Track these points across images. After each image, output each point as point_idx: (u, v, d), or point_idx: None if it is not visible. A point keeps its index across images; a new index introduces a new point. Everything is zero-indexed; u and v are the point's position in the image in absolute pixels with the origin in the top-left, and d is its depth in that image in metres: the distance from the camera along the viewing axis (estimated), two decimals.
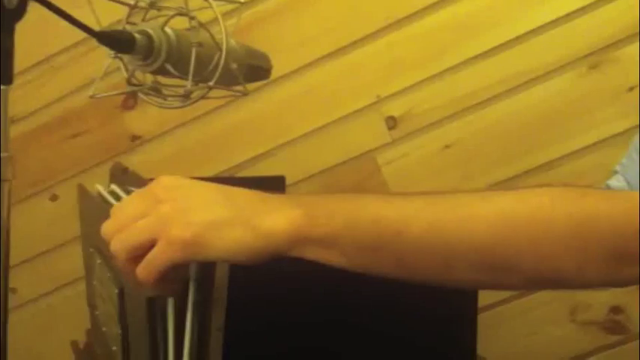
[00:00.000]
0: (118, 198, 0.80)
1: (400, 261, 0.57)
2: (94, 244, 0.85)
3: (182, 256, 0.56)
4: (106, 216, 0.61)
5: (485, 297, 1.15)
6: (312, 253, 0.57)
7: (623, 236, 0.53)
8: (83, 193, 0.86)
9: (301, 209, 0.57)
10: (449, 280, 0.58)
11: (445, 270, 0.57)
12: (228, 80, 0.77)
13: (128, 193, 0.80)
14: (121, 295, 0.73)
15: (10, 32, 0.61)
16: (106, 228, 0.60)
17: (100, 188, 0.84)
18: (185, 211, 0.57)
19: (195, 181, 0.60)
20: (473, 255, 0.55)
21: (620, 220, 0.53)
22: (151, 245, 0.57)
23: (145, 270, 0.57)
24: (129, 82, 0.76)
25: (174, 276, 0.59)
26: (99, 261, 0.83)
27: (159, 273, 0.57)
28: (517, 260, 0.55)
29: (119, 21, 0.74)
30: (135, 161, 1.38)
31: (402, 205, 0.57)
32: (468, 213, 0.56)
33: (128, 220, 0.58)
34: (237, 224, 0.56)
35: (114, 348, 0.80)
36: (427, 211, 0.57)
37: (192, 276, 0.61)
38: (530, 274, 0.56)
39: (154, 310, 0.63)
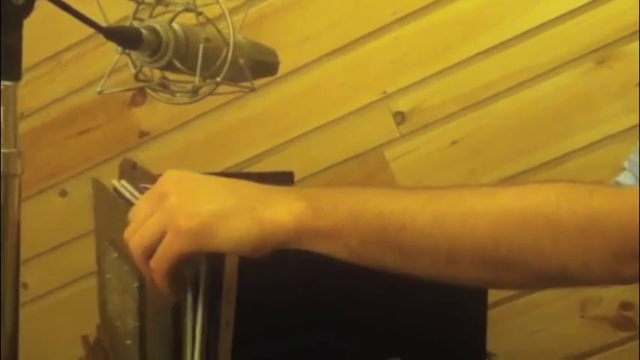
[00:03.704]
0: (130, 194, 0.81)
1: (403, 255, 0.57)
2: (110, 238, 0.85)
3: (190, 246, 0.57)
4: (121, 210, 0.62)
5: (494, 293, 1.15)
6: (316, 246, 0.58)
7: (628, 233, 0.52)
8: (98, 187, 0.87)
9: (305, 201, 0.57)
10: (451, 275, 0.57)
11: (448, 265, 0.56)
12: (235, 76, 0.78)
13: (137, 189, 0.80)
14: (141, 288, 0.73)
15: (18, 29, 0.61)
16: (126, 233, 0.61)
17: (116, 183, 0.84)
18: (191, 201, 0.57)
19: (200, 174, 0.61)
20: (475, 251, 0.55)
21: (625, 217, 0.52)
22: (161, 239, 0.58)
23: (157, 264, 0.58)
24: (137, 78, 0.76)
25: (183, 269, 0.59)
26: (115, 254, 0.83)
27: (170, 265, 0.58)
28: (520, 257, 0.55)
29: (126, 17, 0.74)
30: (143, 157, 1.38)
31: (406, 199, 0.57)
32: (472, 208, 0.56)
33: (142, 221, 0.59)
34: (242, 214, 0.57)
35: (128, 342, 0.80)
36: (431, 206, 0.56)
37: (202, 271, 0.61)
38: (533, 271, 0.55)
39: (179, 304, 0.63)
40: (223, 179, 0.61)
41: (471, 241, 0.55)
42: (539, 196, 0.55)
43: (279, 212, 0.57)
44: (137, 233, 0.59)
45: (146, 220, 0.58)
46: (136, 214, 0.61)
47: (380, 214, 0.57)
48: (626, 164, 0.87)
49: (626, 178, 0.86)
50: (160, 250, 0.57)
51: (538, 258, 0.54)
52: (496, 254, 0.55)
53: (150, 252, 0.58)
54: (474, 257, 0.56)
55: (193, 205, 0.57)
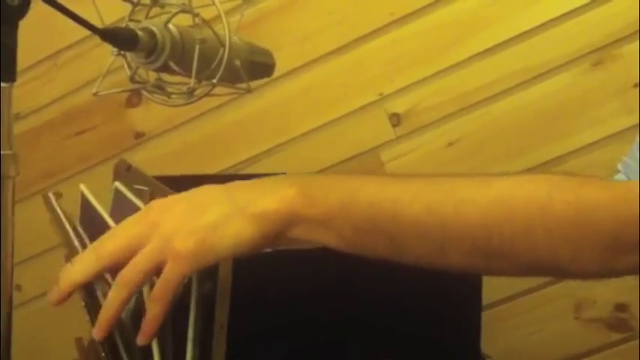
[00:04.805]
0: (120, 196, 0.80)
1: (395, 243, 0.57)
2: (65, 253, 0.84)
3: (191, 267, 0.56)
4: (62, 226, 0.60)
5: (489, 295, 1.15)
6: (308, 234, 0.57)
7: (621, 225, 0.52)
8: (48, 203, 0.86)
9: (296, 189, 0.57)
10: (443, 263, 0.57)
11: (440, 254, 0.56)
12: (231, 77, 0.78)
13: (134, 192, 0.80)
14: (87, 307, 0.73)
15: (14, 29, 0.61)
16: (105, 250, 0.58)
17: (84, 189, 0.83)
18: (182, 222, 0.57)
19: (184, 193, 0.60)
20: (467, 240, 0.55)
21: (618, 208, 0.52)
22: (158, 268, 0.57)
23: (161, 292, 0.57)
24: (132, 80, 0.76)
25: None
26: None
27: (173, 292, 0.57)
28: (511, 246, 0.54)
29: (122, 19, 0.74)
30: (139, 158, 1.38)
31: (398, 187, 0.57)
32: (464, 197, 0.56)
33: (129, 250, 0.57)
34: (235, 218, 0.57)
35: (102, 354, 0.80)
36: (423, 195, 0.56)
37: (195, 273, 0.61)
38: (524, 260, 0.55)
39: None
40: (211, 186, 0.60)
41: (463, 230, 0.55)
42: (531, 186, 0.55)
43: (270, 202, 0.57)
44: (129, 268, 0.57)
45: (137, 252, 0.57)
46: (118, 242, 0.58)
47: (371, 202, 0.57)
48: (619, 167, 0.87)
49: (619, 179, 0.86)
50: (162, 279, 0.56)
51: (529, 248, 0.54)
52: (488, 243, 0.55)
53: (141, 285, 0.58)
54: (465, 246, 0.56)
55: (186, 225, 0.57)
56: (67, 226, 0.77)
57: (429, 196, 0.56)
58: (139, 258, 0.57)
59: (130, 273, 0.57)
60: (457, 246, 0.56)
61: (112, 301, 0.58)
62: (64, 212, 0.82)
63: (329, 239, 0.58)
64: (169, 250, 0.56)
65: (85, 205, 0.81)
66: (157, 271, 0.57)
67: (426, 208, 0.56)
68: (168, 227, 0.57)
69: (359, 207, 0.57)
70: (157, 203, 0.60)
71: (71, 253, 0.68)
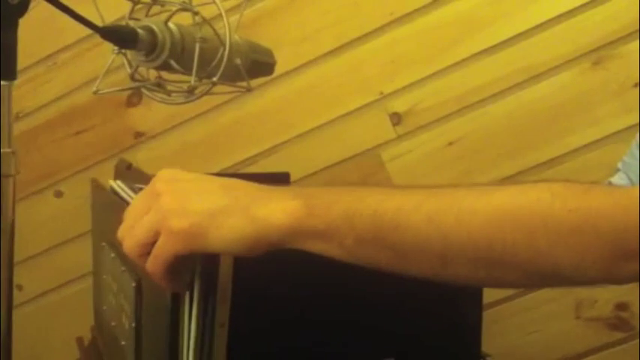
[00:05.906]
0: (127, 194, 0.81)
1: (398, 254, 0.57)
2: (107, 238, 0.85)
3: (183, 246, 0.57)
4: (118, 210, 0.62)
5: (489, 294, 1.15)
6: (311, 245, 0.57)
7: (623, 232, 0.52)
8: (96, 187, 0.87)
9: (300, 200, 0.57)
10: (446, 274, 0.57)
11: (442, 264, 0.56)
12: (231, 76, 0.77)
13: (132, 189, 0.80)
14: (138, 288, 0.73)
15: (14, 28, 0.61)
16: (120, 232, 0.60)
17: (113, 184, 0.84)
18: (183, 201, 0.57)
19: (193, 173, 0.61)
20: (470, 249, 0.55)
21: (620, 216, 0.52)
22: (156, 240, 0.57)
23: (152, 264, 0.58)
24: (132, 78, 0.76)
25: (182, 268, 0.59)
26: (112, 255, 0.83)
27: (165, 265, 0.57)
28: (514, 256, 0.54)
29: (123, 17, 0.74)
30: (139, 157, 1.38)
31: (401, 198, 0.57)
32: (466, 207, 0.56)
33: (135, 220, 0.59)
34: (235, 213, 0.57)
35: (123, 342, 0.80)
36: (426, 206, 0.56)
37: (197, 271, 0.61)
38: (527, 269, 0.55)
39: (178, 304, 0.63)
40: (217, 178, 0.61)
41: (466, 240, 0.55)
42: (534, 195, 0.55)
43: (273, 211, 0.57)
44: (130, 233, 0.59)
45: (139, 220, 0.58)
46: (130, 212, 0.60)
47: (374, 214, 0.56)
48: (619, 165, 0.87)
49: (619, 179, 0.86)
50: (154, 252, 0.57)
51: (532, 257, 0.54)
52: (490, 253, 0.55)
53: (144, 251, 0.58)
54: (468, 256, 0.56)
55: (186, 205, 0.57)
56: (127, 197, 0.78)
57: (430, 207, 0.56)
58: (135, 229, 0.58)
59: (128, 244, 0.59)
60: (459, 256, 0.56)
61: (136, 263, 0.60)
62: None
63: (331, 250, 0.58)
64: (164, 225, 0.57)
65: (115, 199, 0.82)
66: (154, 240, 0.58)
67: (428, 219, 0.56)
68: (168, 201, 0.57)
69: (362, 217, 0.57)
70: (165, 173, 0.60)
71: None
